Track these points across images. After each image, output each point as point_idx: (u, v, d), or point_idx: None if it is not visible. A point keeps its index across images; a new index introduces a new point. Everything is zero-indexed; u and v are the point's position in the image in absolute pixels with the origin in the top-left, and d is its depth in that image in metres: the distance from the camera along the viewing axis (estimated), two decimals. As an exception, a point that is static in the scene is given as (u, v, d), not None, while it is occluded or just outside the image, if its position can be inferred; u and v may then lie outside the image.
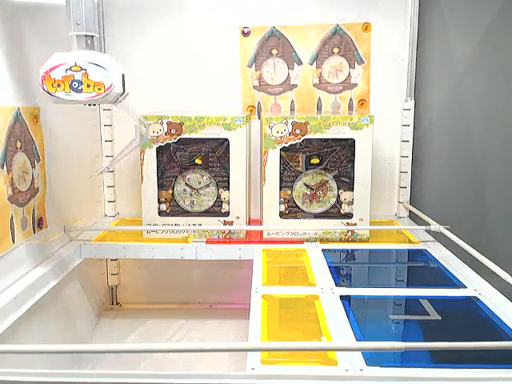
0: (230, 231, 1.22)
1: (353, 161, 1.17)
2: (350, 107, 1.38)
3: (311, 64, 1.37)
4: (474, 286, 0.91)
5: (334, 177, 1.25)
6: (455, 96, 1.39)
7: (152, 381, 0.59)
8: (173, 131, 1.17)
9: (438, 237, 1.17)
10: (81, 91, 0.88)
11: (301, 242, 1.19)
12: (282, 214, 1.21)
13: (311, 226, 1.20)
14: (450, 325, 0.80)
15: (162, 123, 1.16)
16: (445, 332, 0.78)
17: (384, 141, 1.38)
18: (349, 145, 1.23)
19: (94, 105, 0.93)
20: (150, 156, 1.18)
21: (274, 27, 1.35)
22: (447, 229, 1.14)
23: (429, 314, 0.81)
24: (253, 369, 0.64)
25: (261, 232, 1.21)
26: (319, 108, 1.39)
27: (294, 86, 1.38)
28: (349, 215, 1.21)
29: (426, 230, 1.21)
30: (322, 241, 1.19)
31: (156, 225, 1.22)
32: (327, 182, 1.24)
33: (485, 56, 1.36)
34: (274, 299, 0.87)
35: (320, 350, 0.68)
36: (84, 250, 1.19)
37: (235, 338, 1.28)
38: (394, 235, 1.26)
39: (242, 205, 1.20)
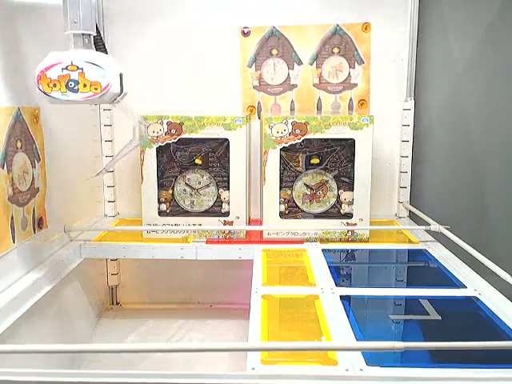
0: (230, 231, 1.22)
1: (353, 161, 1.17)
2: (350, 107, 1.38)
3: (311, 64, 1.37)
4: (474, 286, 0.91)
5: (334, 177, 1.25)
6: (455, 96, 1.39)
7: (152, 381, 0.59)
8: (173, 131, 1.17)
9: (438, 237, 1.17)
10: (77, 91, 0.86)
11: (301, 241, 1.19)
12: (282, 214, 1.21)
13: (311, 226, 1.20)
14: (450, 325, 0.80)
15: (162, 123, 1.16)
16: (445, 332, 0.78)
17: (384, 141, 1.38)
18: (349, 145, 1.23)
19: (96, 104, 0.91)
20: (150, 156, 1.18)
21: (274, 27, 1.35)
22: (447, 229, 1.14)
23: (429, 314, 0.81)
24: (253, 369, 0.64)
25: (261, 232, 1.21)
26: (319, 108, 1.39)
27: (294, 85, 1.38)
28: (349, 215, 1.21)
29: (425, 230, 1.21)
30: (322, 241, 1.19)
31: (156, 225, 1.22)
32: (327, 181, 1.24)
33: (485, 56, 1.36)
34: (273, 299, 0.87)
35: (320, 349, 0.68)
36: (84, 250, 1.19)
37: (235, 337, 1.28)
38: (393, 235, 1.26)
39: (241, 205, 1.20)
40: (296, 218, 1.24)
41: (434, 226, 1.17)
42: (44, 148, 1.05)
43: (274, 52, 1.37)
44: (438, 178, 1.43)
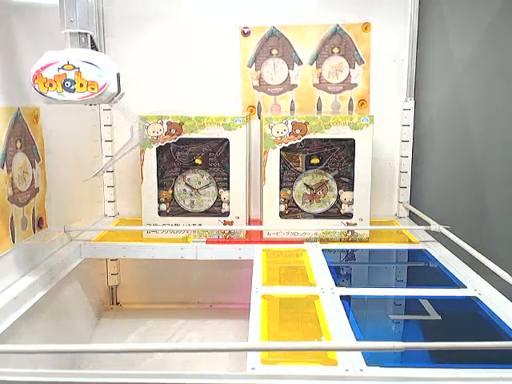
0: (230, 231, 1.22)
1: (353, 161, 1.17)
2: (350, 107, 1.38)
3: (311, 64, 1.37)
4: (474, 286, 0.91)
5: (334, 177, 1.25)
6: (455, 96, 1.39)
7: (152, 381, 0.59)
8: (173, 131, 1.17)
9: (438, 237, 1.17)
10: (74, 91, 0.84)
11: (301, 241, 1.19)
12: (281, 214, 1.21)
13: (311, 226, 1.20)
14: (450, 325, 0.80)
15: (161, 123, 1.16)
16: (445, 332, 0.78)
17: (384, 141, 1.38)
18: (349, 145, 1.23)
19: (95, 104, 0.91)
20: (150, 156, 1.18)
21: (274, 27, 1.35)
22: (447, 229, 1.14)
23: (429, 314, 0.81)
24: (253, 369, 0.64)
25: (261, 232, 1.21)
26: (319, 108, 1.39)
27: (294, 85, 1.38)
28: (349, 215, 1.21)
29: (425, 230, 1.21)
30: (322, 241, 1.19)
31: (156, 225, 1.22)
32: (327, 181, 1.24)
33: (485, 56, 1.36)
34: (273, 299, 0.87)
35: (320, 349, 0.68)
36: (84, 250, 1.19)
37: (235, 337, 1.28)
38: (393, 235, 1.26)
39: (241, 205, 1.20)
40: (296, 218, 1.24)
41: (434, 226, 1.17)
42: (44, 148, 1.05)
43: (274, 52, 1.37)
44: (438, 178, 1.43)
